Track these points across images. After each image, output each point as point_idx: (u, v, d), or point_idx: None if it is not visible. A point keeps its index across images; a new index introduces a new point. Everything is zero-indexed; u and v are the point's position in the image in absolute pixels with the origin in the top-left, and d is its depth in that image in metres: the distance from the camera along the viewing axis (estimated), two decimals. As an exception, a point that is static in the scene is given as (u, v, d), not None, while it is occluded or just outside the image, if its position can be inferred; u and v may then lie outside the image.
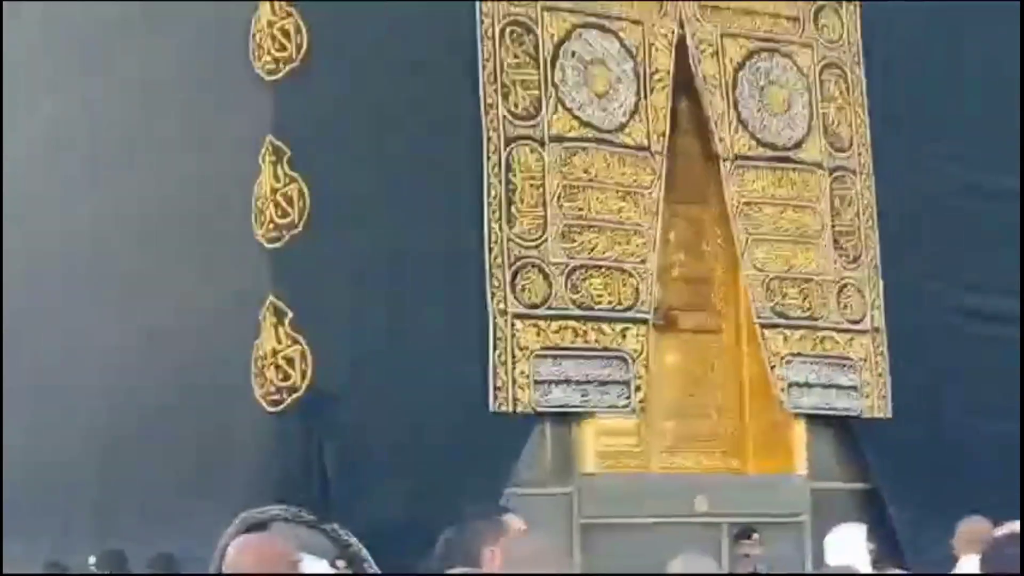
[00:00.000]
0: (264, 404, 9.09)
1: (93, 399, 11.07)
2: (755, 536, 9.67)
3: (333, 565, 8.69)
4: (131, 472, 10.46)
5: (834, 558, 8.16)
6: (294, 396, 9.02)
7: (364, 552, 8.85)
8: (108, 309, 11.01)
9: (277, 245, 9.21)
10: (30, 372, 12.04)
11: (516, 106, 9.73)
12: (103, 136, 11.23)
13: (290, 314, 9.09)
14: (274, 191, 9.23)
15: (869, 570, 7.52)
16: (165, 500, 10.00)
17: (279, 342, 9.09)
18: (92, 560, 8.78)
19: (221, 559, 8.56)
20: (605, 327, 9.79)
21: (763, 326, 10.36)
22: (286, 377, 9.05)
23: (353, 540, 8.85)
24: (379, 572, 8.85)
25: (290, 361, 9.05)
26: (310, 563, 8.87)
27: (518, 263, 9.61)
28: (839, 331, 10.60)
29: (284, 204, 9.19)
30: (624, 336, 9.83)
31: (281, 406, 9.03)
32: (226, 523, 9.04)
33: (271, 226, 9.25)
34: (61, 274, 11.67)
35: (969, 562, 6.52)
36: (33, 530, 11.55)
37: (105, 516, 10.79)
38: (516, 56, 9.79)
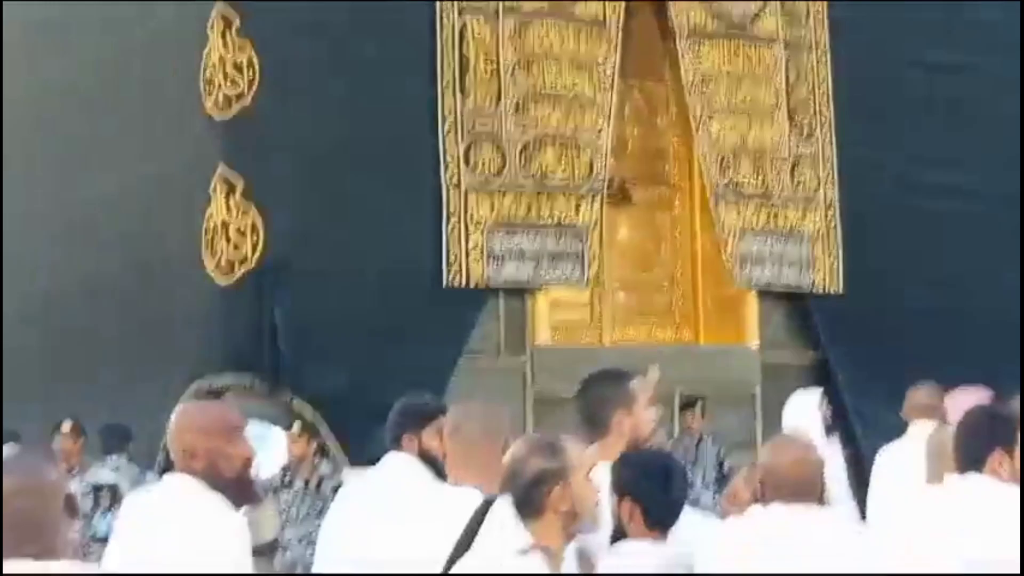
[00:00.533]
0: (215, 276, 9.03)
1: (39, 271, 10.98)
2: (698, 406, 9.76)
3: (285, 430, 8.72)
4: (80, 343, 10.42)
5: (790, 423, 8.24)
6: (245, 268, 8.96)
7: (318, 421, 8.88)
8: (51, 180, 10.87)
9: (227, 116, 9.08)
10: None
11: (469, -24, 9.58)
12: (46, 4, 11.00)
13: (240, 185, 9.00)
14: (223, 60, 9.09)
15: (821, 435, 7.57)
16: (116, 371, 9.97)
17: (229, 213, 9.01)
18: (67, 424, 8.67)
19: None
20: (559, 201, 9.75)
21: (716, 200, 10.35)
22: (237, 248, 8.98)
23: (305, 408, 8.87)
24: (330, 440, 8.88)
25: (241, 233, 8.98)
26: (262, 430, 8.90)
27: (471, 136, 9.52)
28: (792, 206, 10.61)
29: (234, 73, 9.05)
30: (578, 210, 9.80)
31: (232, 278, 8.98)
32: (178, 394, 9.03)
33: (220, 97, 9.11)
34: (5, 136, 11.49)
35: (919, 428, 6.60)
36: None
37: (55, 388, 10.76)
38: (469, -77, 9.62)
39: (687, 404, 9.74)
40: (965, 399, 6.01)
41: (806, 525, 3.84)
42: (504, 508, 3.34)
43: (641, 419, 4.37)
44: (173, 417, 3.97)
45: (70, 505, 2.97)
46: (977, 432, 4.28)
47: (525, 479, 3.36)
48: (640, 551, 4.03)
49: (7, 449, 3.07)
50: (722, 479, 9.31)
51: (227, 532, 4.02)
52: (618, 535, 4.14)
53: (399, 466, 4.18)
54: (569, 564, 3.57)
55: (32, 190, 11.06)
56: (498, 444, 3.81)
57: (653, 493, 4.05)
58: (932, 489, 4.59)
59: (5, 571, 2.86)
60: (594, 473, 3.49)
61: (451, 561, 3.38)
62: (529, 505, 3.35)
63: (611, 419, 4.32)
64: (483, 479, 3.76)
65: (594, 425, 4.33)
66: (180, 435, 3.93)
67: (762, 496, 4.08)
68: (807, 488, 3.99)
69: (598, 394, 4.46)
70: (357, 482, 4.32)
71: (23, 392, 10.98)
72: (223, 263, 9.01)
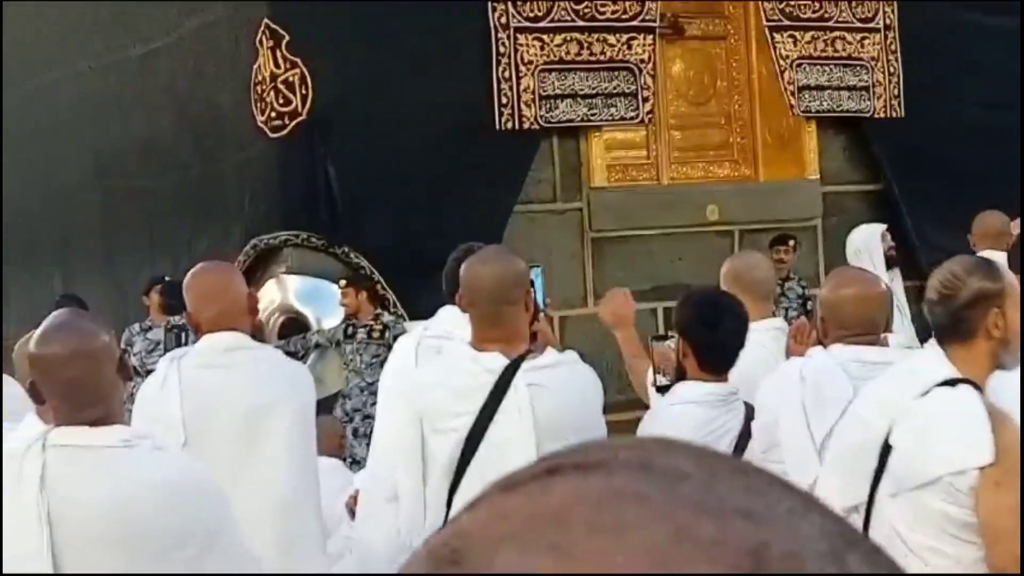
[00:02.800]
0: (266, 130, 8.96)
1: (89, 126, 10.96)
2: (791, 243, 9.59)
3: (337, 284, 8.72)
4: (133, 198, 10.44)
5: (852, 257, 8.13)
6: (296, 121, 8.88)
7: (375, 273, 8.86)
8: (98, 41, 10.78)
9: (268, -35, 8.92)
10: (22, 106, 11.90)
11: None
12: None
13: (287, 37, 8.87)
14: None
15: (882, 271, 7.45)
16: (170, 226, 10.00)
17: (278, 67, 8.90)
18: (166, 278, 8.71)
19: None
20: (610, 38, 9.54)
21: (772, 29, 10.09)
22: (287, 102, 8.89)
23: (363, 262, 8.85)
24: (389, 294, 8.88)
25: (290, 85, 8.88)
26: (319, 284, 8.93)
27: (519, -26, 9.30)
28: (850, 31, 10.32)
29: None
30: (630, 46, 9.59)
31: (283, 131, 8.90)
32: (234, 249, 9.05)
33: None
34: (42, 6, 11.39)
35: (988, 256, 6.46)
36: (40, 261, 11.63)
37: (111, 243, 10.83)
38: None
39: (779, 240, 9.55)
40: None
41: (867, 369, 3.74)
42: None
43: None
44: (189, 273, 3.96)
45: (122, 368, 2.95)
46: None
47: (960, 299, 3.12)
48: (690, 392, 3.99)
49: (57, 313, 3.03)
50: (805, 316, 9.21)
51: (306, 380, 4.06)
52: (680, 375, 4.11)
53: (453, 319, 4.10)
54: None
55: (80, 52, 10.98)
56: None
57: (704, 333, 3.99)
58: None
59: (62, 440, 2.85)
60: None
61: None
62: (959, 329, 3.14)
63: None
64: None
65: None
66: (189, 290, 3.94)
67: (823, 335, 3.99)
68: (869, 325, 3.88)
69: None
70: (413, 334, 4.25)
71: (83, 257, 11.07)
72: (273, 116, 8.92)
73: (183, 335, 8.71)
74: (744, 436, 3.98)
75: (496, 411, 3.41)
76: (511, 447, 3.35)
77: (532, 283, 3.72)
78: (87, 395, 2.87)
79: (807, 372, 3.87)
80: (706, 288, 4.52)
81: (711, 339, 4.01)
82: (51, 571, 2.77)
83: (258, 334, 4.01)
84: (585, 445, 0.69)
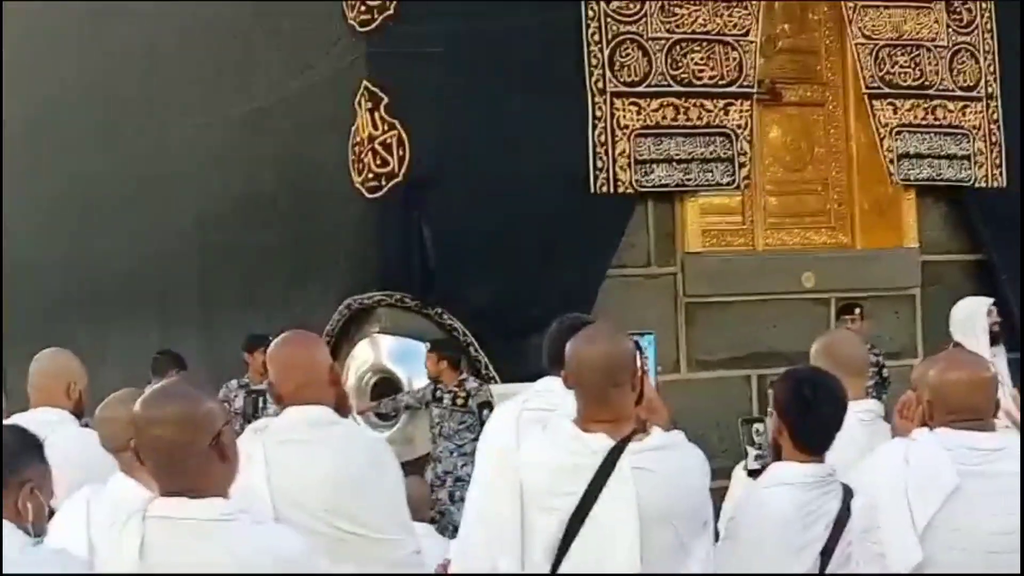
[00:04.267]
0: (363, 191, 9.03)
1: (189, 186, 11.12)
2: (858, 311, 9.50)
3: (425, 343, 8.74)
4: (231, 254, 10.55)
5: (958, 333, 7.96)
6: (393, 182, 8.94)
7: (468, 335, 8.87)
8: (199, 97, 10.96)
9: (369, 28, 9.01)
10: (126, 163, 12.11)
11: None
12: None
13: (385, 99, 8.95)
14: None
15: (986, 347, 7.29)
16: (266, 282, 10.09)
17: (376, 128, 8.98)
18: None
19: (328, 344, 8.63)
20: (707, 103, 9.52)
21: (872, 96, 10.01)
22: (384, 163, 8.96)
23: (456, 324, 8.86)
24: (481, 356, 8.88)
25: (387, 147, 8.95)
26: (412, 345, 8.95)
27: (616, 39, 9.33)
28: (951, 99, 10.22)
29: (375, -19, 8.97)
30: (727, 111, 9.57)
31: (380, 192, 8.97)
32: (331, 309, 9.11)
33: (362, 9, 9.04)
34: (149, 64, 11.61)
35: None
36: (139, 316, 11.78)
37: (208, 299, 10.94)
38: None
39: (846, 309, 9.50)
40: None
41: (976, 455, 3.65)
42: None
43: None
44: (276, 341, 3.95)
45: (219, 445, 2.87)
46: None
47: None
48: (786, 473, 3.90)
49: (169, 382, 3.05)
50: (880, 384, 9.09)
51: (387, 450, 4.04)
52: (776, 456, 4.03)
53: (556, 391, 4.03)
54: None
55: (183, 111, 11.16)
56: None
57: (799, 411, 3.91)
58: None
59: (162, 511, 2.84)
60: None
61: None
62: None
63: None
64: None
65: None
66: (273, 360, 3.93)
67: (929, 417, 3.91)
68: (978, 411, 3.80)
69: None
70: (511, 405, 4.21)
71: (181, 311, 11.19)
72: (370, 178, 8.99)
73: (260, 400, 8.78)
74: (842, 518, 3.89)
75: (600, 493, 3.37)
76: (614, 530, 3.32)
77: (642, 351, 3.68)
78: (187, 465, 2.87)
79: (912, 456, 3.78)
80: (805, 367, 4.44)
81: (809, 419, 3.93)
82: (149, 642, 2.77)
83: (341, 407, 3.98)
84: None
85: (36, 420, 3.42)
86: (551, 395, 3.96)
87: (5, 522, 2.89)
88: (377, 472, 3.85)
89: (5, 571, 2.82)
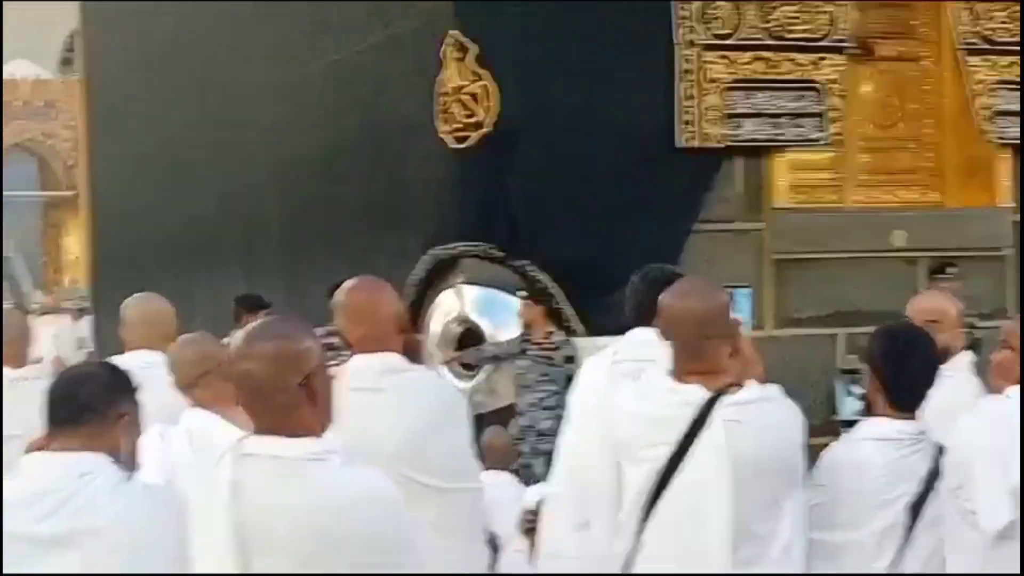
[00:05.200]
0: (450, 141, 9.02)
1: (274, 138, 11.18)
2: (951, 271, 9.34)
3: (515, 296, 8.73)
4: (315, 210, 10.61)
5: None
6: (479, 133, 8.92)
7: (553, 288, 8.85)
8: (284, 49, 10.99)
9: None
10: (213, 115, 12.19)
11: None
12: None
13: (473, 50, 8.92)
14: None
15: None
16: (350, 233, 10.13)
17: (463, 79, 8.95)
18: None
19: (412, 295, 8.66)
20: (799, 57, 9.38)
21: (967, 52, 9.81)
22: (471, 114, 8.94)
23: (541, 276, 8.84)
24: (565, 309, 8.86)
25: (474, 97, 8.92)
26: (497, 297, 8.94)
27: (706, -8, 9.22)
28: (1050, 55, 9.98)
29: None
30: (819, 66, 9.42)
31: (466, 143, 8.95)
32: (412, 258, 9.13)
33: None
34: (236, 16, 11.66)
35: None
36: (222, 268, 11.89)
37: (291, 249, 11.02)
38: None
39: (939, 268, 9.34)
40: None
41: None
42: None
43: None
44: (344, 285, 3.93)
45: (308, 386, 2.86)
46: None
47: None
48: (877, 429, 3.86)
49: (270, 319, 3.06)
50: (972, 346, 8.93)
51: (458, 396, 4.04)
52: (867, 410, 4.00)
53: (648, 342, 3.98)
54: None
55: (266, 63, 11.21)
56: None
57: (893, 367, 3.86)
58: None
59: (255, 448, 2.85)
60: None
61: None
62: None
63: None
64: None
65: None
66: (344, 307, 3.92)
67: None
68: (1077, 370, 3.73)
69: None
70: (602, 357, 4.17)
71: (265, 261, 11.28)
72: (457, 128, 8.97)
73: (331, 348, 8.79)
74: (932, 476, 3.84)
75: (693, 445, 3.35)
76: (706, 482, 3.30)
77: (737, 307, 3.65)
78: (275, 402, 2.87)
79: (1007, 415, 3.73)
80: (900, 322, 4.38)
81: (902, 375, 3.88)
82: (240, 580, 2.79)
83: (412, 353, 3.96)
84: None
85: (133, 363, 3.45)
86: (643, 347, 3.93)
87: (99, 457, 2.92)
88: (448, 419, 3.85)
89: (98, 507, 2.85)
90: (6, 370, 5.26)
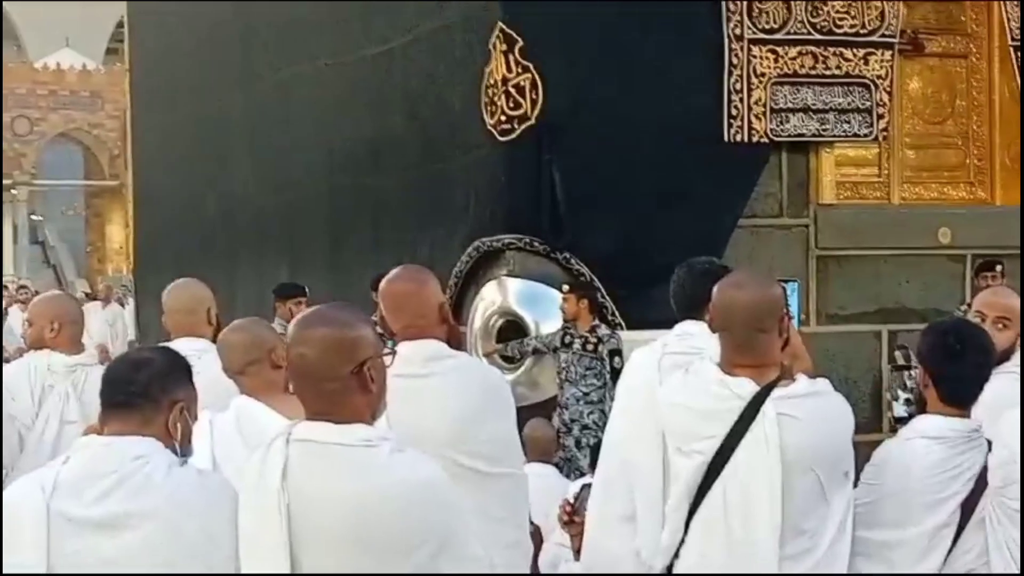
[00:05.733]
0: (495, 133, 9.01)
1: (320, 127, 11.20)
2: (998, 268, 9.26)
3: (560, 291, 8.71)
4: (360, 195, 10.62)
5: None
6: (525, 125, 8.90)
7: (595, 281, 8.83)
8: (330, 37, 11.01)
9: (505, -29, 8.97)
10: (258, 102, 12.23)
11: None
12: None
13: (520, 42, 8.91)
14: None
15: None
16: (395, 224, 10.14)
17: (509, 71, 8.95)
18: None
19: (455, 286, 8.66)
20: (847, 52, 9.33)
21: (1016, 48, 9.73)
22: (517, 106, 8.92)
23: (584, 269, 8.83)
24: (608, 302, 8.85)
25: (520, 90, 8.91)
26: (540, 290, 8.93)
27: (755, -14, 9.16)
28: (1101, 52, 9.89)
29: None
30: (867, 61, 9.36)
31: (512, 135, 8.94)
32: (459, 251, 9.13)
33: (498, -48, 9.00)
34: (282, 4, 11.69)
35: None
36: (269, 253, 11.93)
37: (337, 239, 11.04)
38: None
39: (985, 267, 9.27)
40: None
41: None
42: None
43: None
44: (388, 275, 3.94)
45: (361, 374, 2.86)
46: None
47: None
48: (929, 426, 3.82)
49: (326, 305, 3.06)
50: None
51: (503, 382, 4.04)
52: (921, 407, 3.96)
53: (699, 334, 3.97)
54: None
55: (311, 52, 11.23)
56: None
57: (945, 363, 3.82)
58: None
59: (306, 434, 2.85)
60: None
61: None
62: None
63: None
64: None
65: None
66: (383, 296, 3.93)
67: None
68: None
69: None
70: (652, 349, 4.16)
71: (310, 250, 11.31)
72: (503, 120, 8.96)
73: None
74: (984, 474, 3.81)
75: (743, 437, 3.33)
76: (755, 475, 3.28)
77: (787, 300, 3.63)
78: (327, 389, 2.87)
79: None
80: (953, 318, 4.34)
81: (954, 370, 3.84)
82: (288, 566, 2.79)
83: (455, 344, 3.97)
84: None
85: (181, 349, 3.46)
86: (692, 339, 3.91)
87: (153, 441, 2.94)
88: (493, 405, 3.86)
89: (151, 490, 2.86)
90: (63, 356, 5.27)
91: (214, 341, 4.48)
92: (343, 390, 2.86)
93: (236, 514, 2.88)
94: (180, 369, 3.05)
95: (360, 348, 2.87)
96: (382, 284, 3.95)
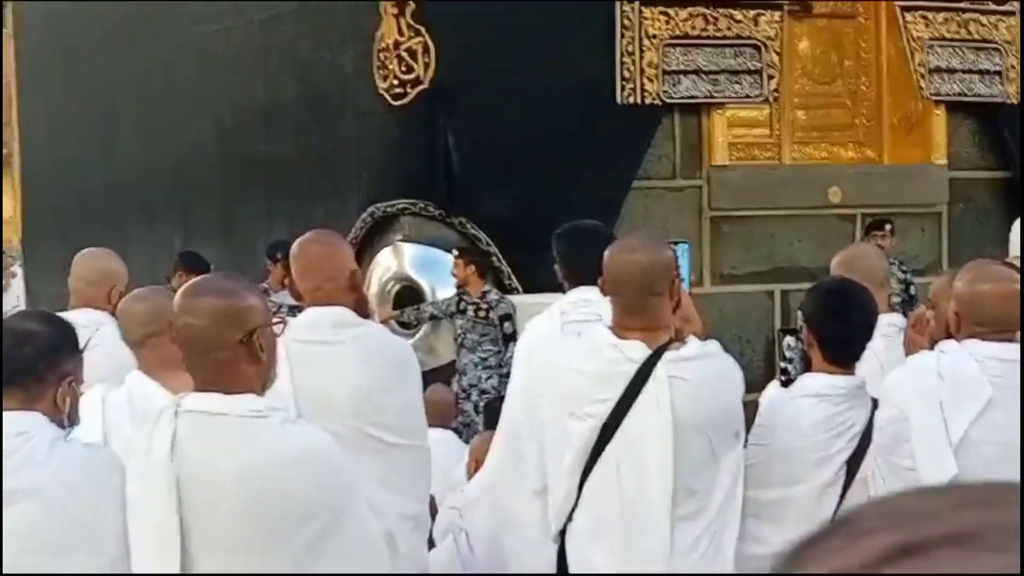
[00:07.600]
0: (387, 97, 8.95)
1: (211, 90, 11.04)
2: (888, 227, 9.42)
3: (450, 253, 8.70)
4: (252, 163, 10.50)
5: (1015, 248, 7.86)
6: (418, 89, 8.85)
7: (491, 245, 8.83)
8: (221, 3, 10.85)
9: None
10: (145, 67, 12.03)
11: None
12: None
13: (411, 5, 8.84)
14: None
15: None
16: (288, 191, 10.05)
17: (401, 35, 8.88)
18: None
19: (353, 251, 8.61)
20: (737, 14, 9.38)
21: (903, 9, 9.85)
22: (409, 70, 8.87)
23: (480, 234, 8.82)
24: (504, 266, 8.85)
25: (412, 53, 8.85)
26: (436, 255, 8.92)
27: (645, -52, 9.18)
28: (984, 13, 10.05)
29: None
30: (757, 22, 9.43)
31: (404, 99, 8.88)
32: (351, 216, 9.07)
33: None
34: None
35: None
36: (161, 222, 11.77)
37: (229, 207, 10.91)
38: None
39: (876, 224, 9.41)
40: None
41: (1005, 367, 3.60)
42: None
43: None
44: (320, 250, 3.90)
45: (250, 344, 2.82)
46: None
47: None
48: (815, 384, 3.87)
49: (210, 275, 2.99)
50: (908, 301, 9.04)
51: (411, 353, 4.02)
52: (806, 367, 4.01)
53: (596, 300, 3.97)
54: None
55: (204, 15, 11.06)
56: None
57: (832, 324, 3.87)
58: None
59: (195, 405, 2.82)
60: None
61: None
62: None
63: None
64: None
65: None
66: (297, 259, 3.90)
67: (956, 329, 3.84)
68: (1007, 323, 3.73)
69: None
70: (549, 315, 4.16)
71: (202, 219, 11.17)
72: (395, 84, 8.90)
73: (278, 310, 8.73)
74: (869, 430, 3.87)
75: (635, 401, 3.35)
76: (647, 438, 3.30)
77: (677, 262, 3.65)
78: (215, 359, 2.83)
79: (944, 368, 3.74)
80: (835, 278, 4.39)
81: (839, 330, 3.89)
82: (177, 540, 2.76)
83: (361, 311, 3.94)
84: (932, 498, 0.58)
85: (77, 321, 3.38)
86: (591, 305, 3.92)
87: (37, 416, 2.88)
88: (399, 375, 3.84)
89: (34, 467, 2.81)
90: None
91: (113, 315, 4.39)
92: (232, 360, 2.82)
93: (122, 489, 2.84)
94: (68, 341, 2.99)
95: (249, 317, 2.84)
96: (294, 246, 3.92)
